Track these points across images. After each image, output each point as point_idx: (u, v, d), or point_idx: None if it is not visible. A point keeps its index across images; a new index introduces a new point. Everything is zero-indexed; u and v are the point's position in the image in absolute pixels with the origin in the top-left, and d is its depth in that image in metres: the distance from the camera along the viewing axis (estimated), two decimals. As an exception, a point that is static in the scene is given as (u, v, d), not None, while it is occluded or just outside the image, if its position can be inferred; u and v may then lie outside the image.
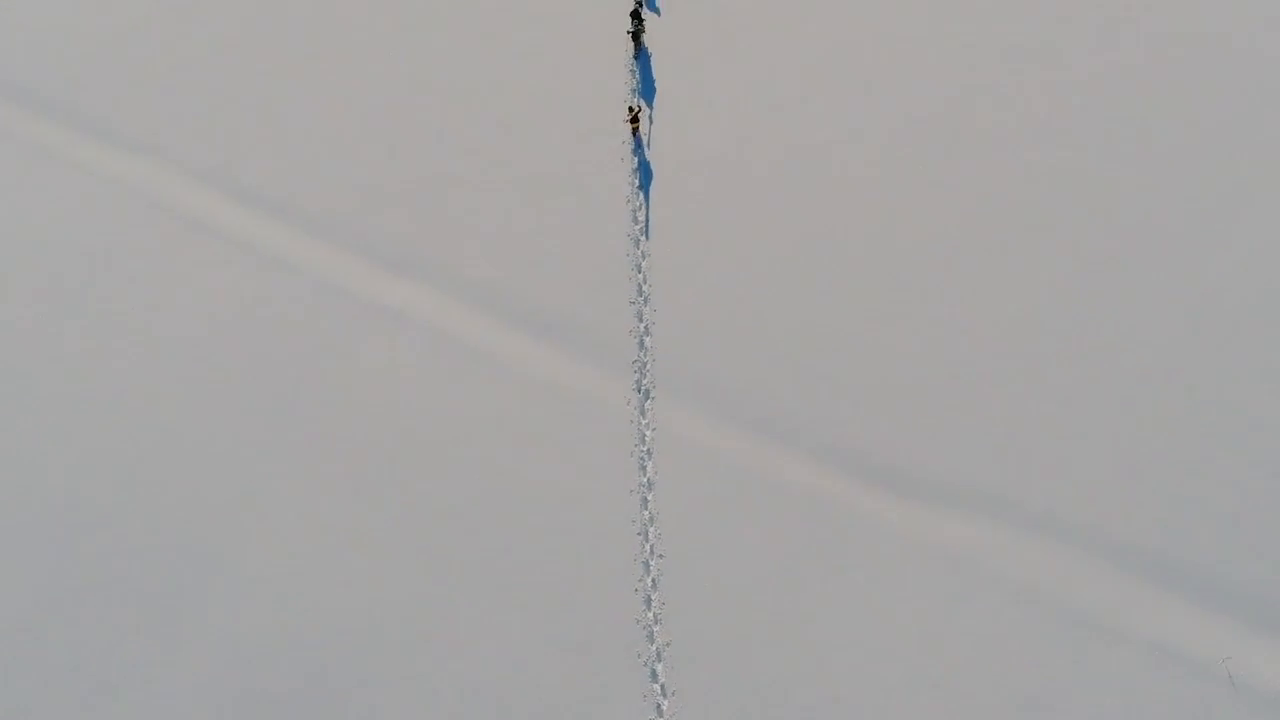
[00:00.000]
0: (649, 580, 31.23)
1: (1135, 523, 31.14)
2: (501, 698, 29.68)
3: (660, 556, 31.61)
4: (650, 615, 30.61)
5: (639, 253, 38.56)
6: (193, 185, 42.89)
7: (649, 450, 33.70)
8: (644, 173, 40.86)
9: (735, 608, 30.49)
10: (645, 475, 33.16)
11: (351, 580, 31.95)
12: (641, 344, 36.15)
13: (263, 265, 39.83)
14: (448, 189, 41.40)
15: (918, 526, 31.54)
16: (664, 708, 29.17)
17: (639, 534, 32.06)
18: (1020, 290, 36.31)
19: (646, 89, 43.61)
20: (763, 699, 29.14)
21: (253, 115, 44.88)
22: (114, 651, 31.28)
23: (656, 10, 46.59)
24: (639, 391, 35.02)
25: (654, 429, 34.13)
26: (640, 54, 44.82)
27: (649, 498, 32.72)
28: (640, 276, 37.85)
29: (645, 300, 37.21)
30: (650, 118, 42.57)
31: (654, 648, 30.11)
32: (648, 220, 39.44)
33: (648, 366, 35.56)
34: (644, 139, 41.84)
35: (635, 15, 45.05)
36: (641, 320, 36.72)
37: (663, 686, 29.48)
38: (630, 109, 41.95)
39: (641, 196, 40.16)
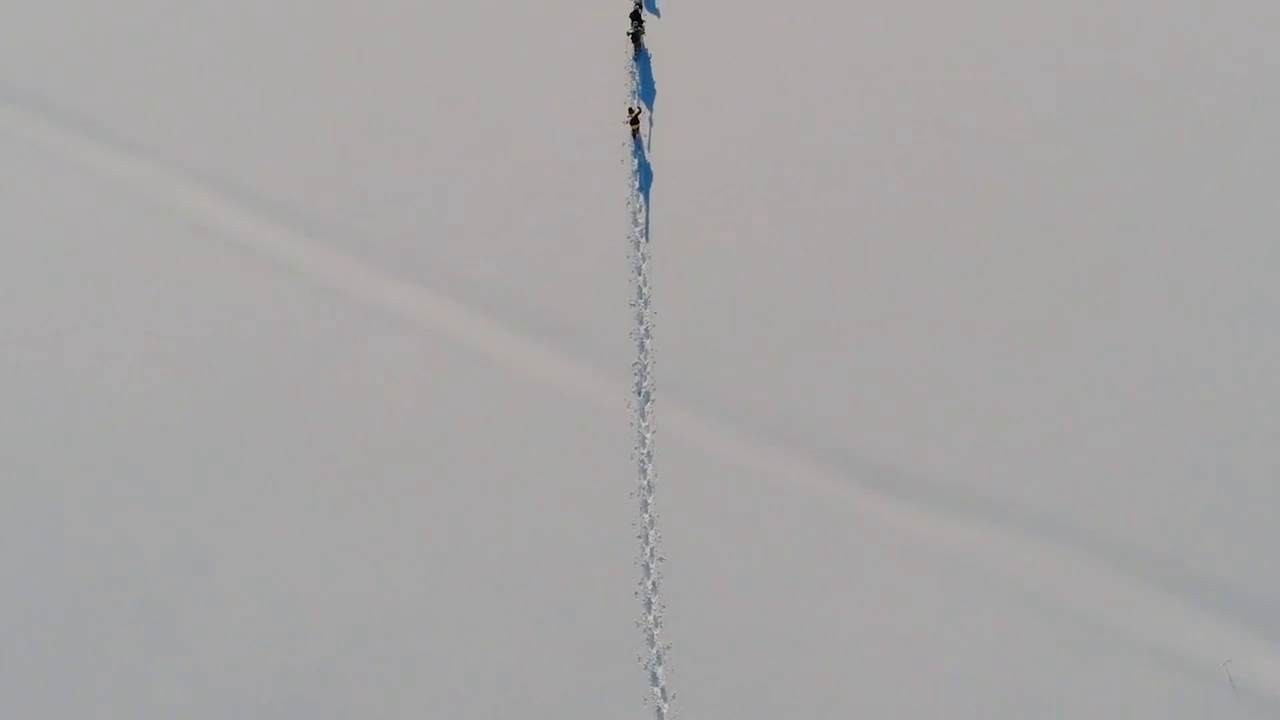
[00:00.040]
0: (649, 583, 31.23)
1: (1136, 525, 31.12)
2: (501, 701, 29.68)
3: (660, 560, 31.61)
4: (650, 618, 30.61)
5: (639, 255, 38.53)
6: (193, 187, 42.87)
7: (649, 453, 33.69)
8: (644, 174, 40.83)
9: (735, 611, 30.49)
10: (645, 478, 33.15)
11: (349, 583, 31.95)
12: (642, 346, 36.13)
13: (262, 267, 39.81)
14: (448, 191, 41.36)
15: (918, 529, 31.54)
16: (664, 711, 29.18)
17: (639, 537, 32.06)
18: (1020, 292, 36.27)
19: (646, 90, 43.56)
20: (763, 702, 29.15)
21: (253, 117, 44.85)
22: (114, 654, 31.29)
23: (656, 12, 46.53)
24: (639, 394, 35.00)
25: (654, 432, 34.11)
26: (640, 55, 44.77)
27: (649, 501, 32.72)
28: (640, 279, 37.82)
29: (645, 302, 37.19)
30: (650, 119, 42.53)
31: (654, 651, 30.12)
32: (648, 222, 39.41)
33: (648, 369, 35.54)
34: (644, 140, 41.80)
35: (635, 16, 44.98)
36: (642, 322, 36.70)
37: (663, 690, 29.49)
38: (630, 110, 41.90)
39: (641, 198, 40.12)
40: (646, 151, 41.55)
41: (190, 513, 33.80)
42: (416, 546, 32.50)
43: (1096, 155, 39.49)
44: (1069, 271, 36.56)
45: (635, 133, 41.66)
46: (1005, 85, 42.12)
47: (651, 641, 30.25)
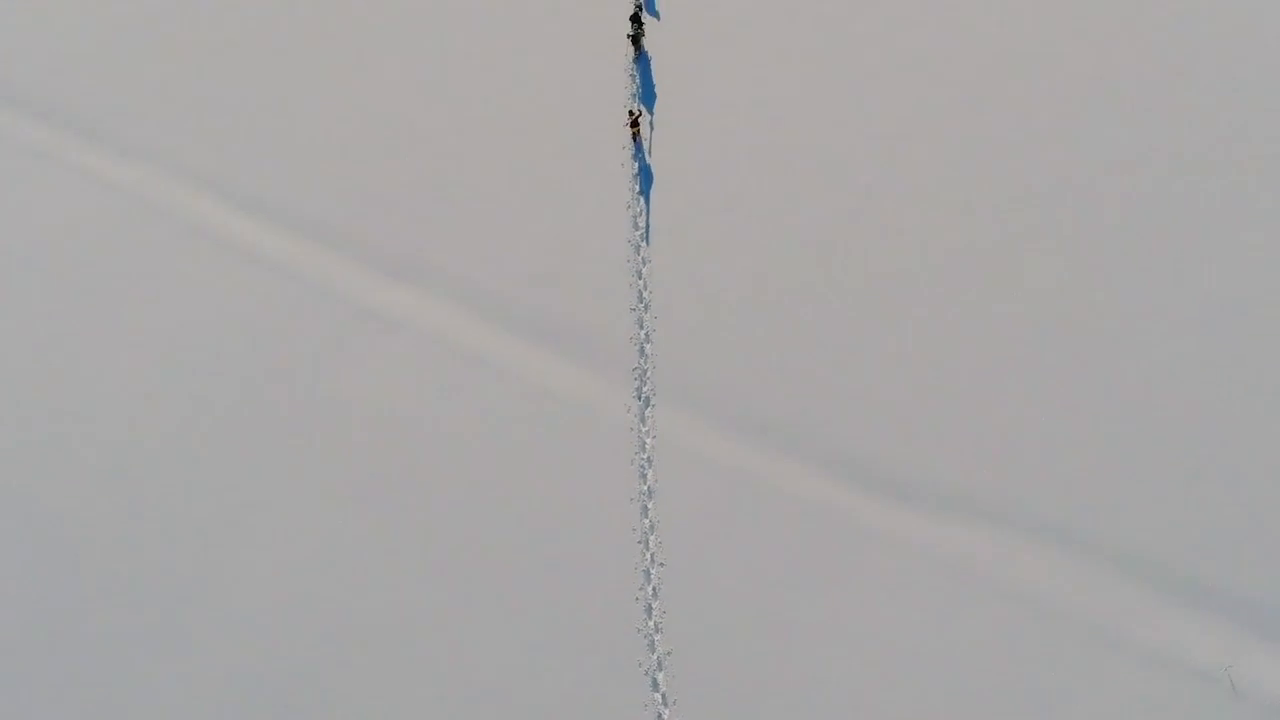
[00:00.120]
0: (649, 589, 31.18)
1: (1137, 529, 31.03)
2: (502, 705, 29.64)
3: (661, 565, 31.56)
4: (651, 624, 30.56)
5: (639, 259, 38.49)
6: (192, 190, 42.94)
7: (649, 458, 33.64)
8: (644, 178, 40.78)
9: (736, 616, 30.44)
10: (645, 483, 33.11)
11: (349, 589, 31.93)
12: (642, 351, 36.09)
13: (261, 269, 39.84)
14: (447, 194, 41.36)
15: (919, 534, 31.47)
16: (665, 717, 29.13)
17: (639, 542, 32.01)
18: (1020, 297, 36.18)
19: (646, 93, 43.52)
20: (764, 707, 29.09)
21: (252, 120, 44.89)
22: (113, 657, 31.29)
23: (656, 14, 46.49)
24: (639, 399, 34.96)
25: (654, 436, 34.07)
26: (640, 58, 44.72)
27: (649, 506, 32.67)
28: (641, 283, 37.78)
29: (646, 307, 37.14)
30: (650, 123, 42.49)
31: (655, 656, 30.07)
32: (648, 226, 39.37)
33: (648, 374, 35.50)
34: (644, 144, 41.75)
35: (635, 19, 44.95)
36: (642, 327, 36.65)
37: (664, 695, 29.45)
38: (630, 113, 41.86)
39: (642, 202, 40.08)
40: (647, 155, 41.51)
41: (190, 515, 33.81)
42: (417, 550, 32.48)
43: (1095, 160, 39.40)
44: (1068, 279, 36.45)
45: (635, 136, 41.61)
46: (1006, 86, 42.04)
47: (652, 647, 30.21)
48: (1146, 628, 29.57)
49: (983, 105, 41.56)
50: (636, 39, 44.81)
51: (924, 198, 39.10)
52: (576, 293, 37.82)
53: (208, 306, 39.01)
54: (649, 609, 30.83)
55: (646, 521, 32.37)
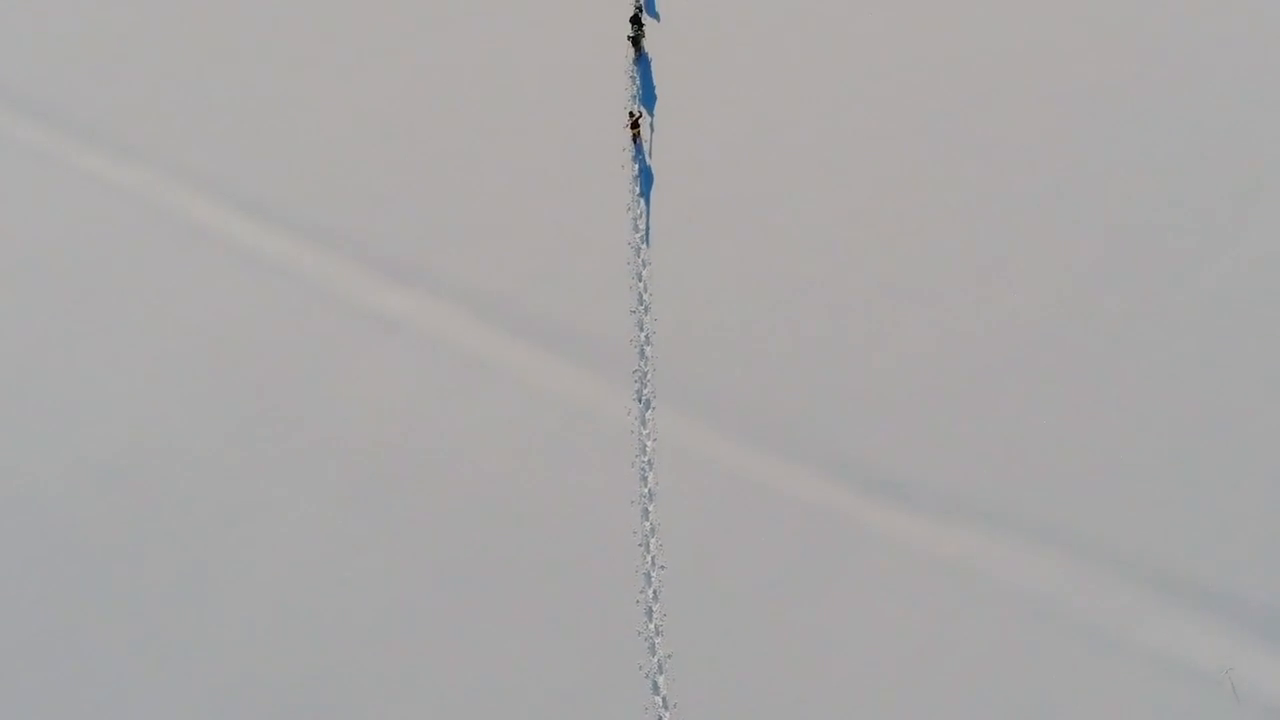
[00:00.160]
0: (650, 592, 31.19)
1: (1138, 533, 31.03)
2: (502, 709, 29.64)
3: (661, 568, 31.57)
4: (652, 627, 30.57)
5: (640, 260, 38.49)
6: (192, 191, 42.95)
7: (650, 461, 33.64)
8: (645, 179, 40.78)
9: (737, 619, 30.44)
10: (646, 486, 33.11)
11: (349, 592, 31.94)
12: (642, 353, 36.09)
13: (261, 271, 39.86)
14: (448, 196, 41.37)
15: (920, 537, 31.47)
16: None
17: (640, 545, 32.02)
18: (1020, 298, 36.20)
19: (646, 95, 43.51)
20: (764, 711, 29.10)
21: (252, 121, 44.88)
22: (113, 661, 31.29)
23: (656, 15, 46.47)
24: (640, 401, 34.96)
25: (655, 439, 34.07)
26: (640, 60, 44.71)
27: (650, 509, 32.67)
28: (641, 285, 37.78)
29: (646, 309, 37.13)
30: (650, 124, 42.48)
31: (655, 660, 30.07)
32: (648, 228, 39.36)
33: (649, 376, 35.50)
34: (644, 145, 41.74)
35: (635, 20, 44.93)
36: (642, 329, 36.65)
37: (664, 699, 29.44)
38: (630, 115, 41.85)
39: (642, 204, 40.08)
40: (647, 156, 41.50)
41: (190, 517, 33.81)
42: (417, 553, 32.48)
43: (1095, 163, 39.40)
44: (1069, 281, 36.45)
45: (636, 137, 41.60)
46: (1006, 86, 42.04)
47: (653, 650, 30.22)
48: (1147, 629, 29.57)
49: (983, 105, 41.56)
50: (636, 40, 44.79)
51: (924, 198, 39.10)
52: (577, 294, 37.81)
53: (207, 307, 39.02)
54: (650, 612, 30.84)
55: (647, 524, 32.38)
